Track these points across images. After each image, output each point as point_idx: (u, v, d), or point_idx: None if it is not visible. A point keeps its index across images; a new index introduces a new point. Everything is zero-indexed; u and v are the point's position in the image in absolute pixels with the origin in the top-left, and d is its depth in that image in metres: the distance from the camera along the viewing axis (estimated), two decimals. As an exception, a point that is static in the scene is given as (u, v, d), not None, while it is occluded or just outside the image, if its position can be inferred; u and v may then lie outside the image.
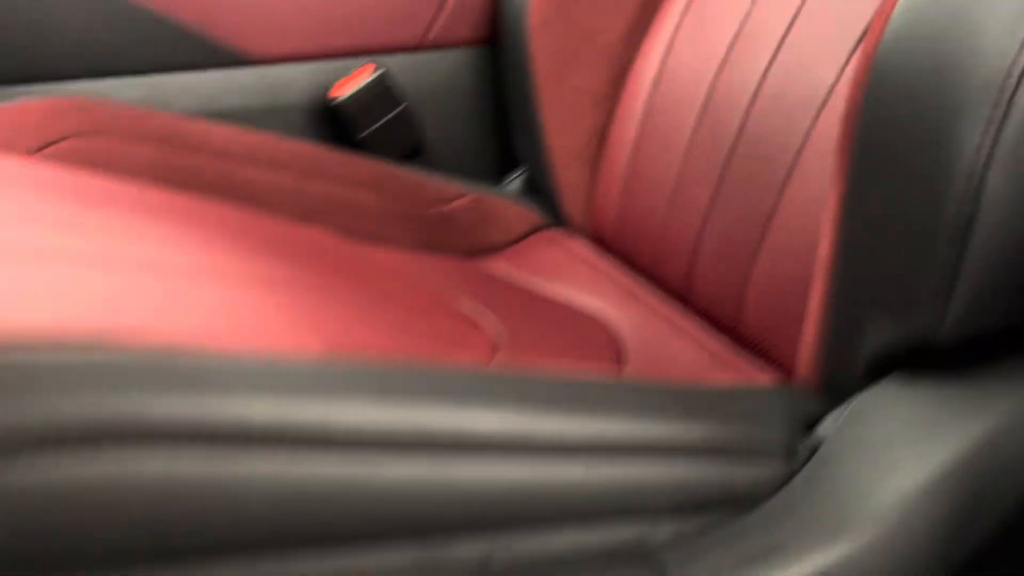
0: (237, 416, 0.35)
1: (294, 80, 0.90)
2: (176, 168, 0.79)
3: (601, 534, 0.45)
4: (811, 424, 0.53)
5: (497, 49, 0.98)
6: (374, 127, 0.91)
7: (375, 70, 0.92)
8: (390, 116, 0.92)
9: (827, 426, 0.52)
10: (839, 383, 0.56)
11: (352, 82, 0.91)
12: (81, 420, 0.32)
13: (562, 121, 0.93)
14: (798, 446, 0.50)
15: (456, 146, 0.98)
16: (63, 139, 0.76)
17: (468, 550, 0.42)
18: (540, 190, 0.97)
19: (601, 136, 0.92)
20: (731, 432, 0.48)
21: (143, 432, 0.33)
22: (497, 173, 1.01)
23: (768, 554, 0.47)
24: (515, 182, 1.00)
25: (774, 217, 0.70)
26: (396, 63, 0.94)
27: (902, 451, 0.49)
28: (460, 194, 0.92)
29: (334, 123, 0.91)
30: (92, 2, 0.81)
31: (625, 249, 0.89)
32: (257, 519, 0.36)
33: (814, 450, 0.51)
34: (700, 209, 0.77)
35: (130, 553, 0.34)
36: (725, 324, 0.76)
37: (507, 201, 0.95)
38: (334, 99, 0.91)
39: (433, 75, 0.96)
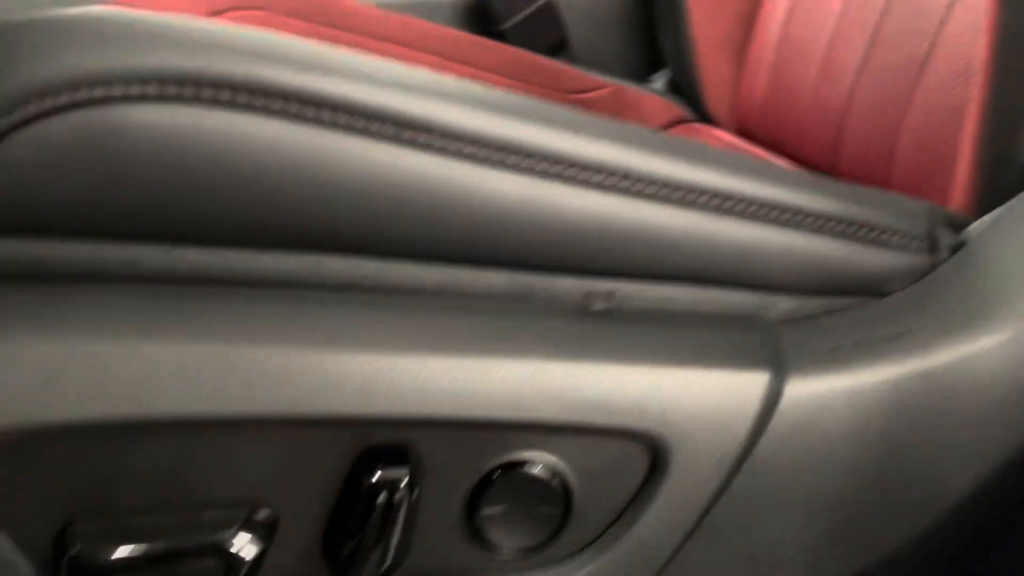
0: (349, 93, 0.35)
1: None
2: (324, 41, 0.82)
3: (717, 297, 0.43)
4: (959, 228, 0.48)
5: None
6: (518, 18, 0.92)
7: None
8: (534, 8, 0.92)
9: (975, 227, 0.48)
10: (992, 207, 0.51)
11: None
12: (196, 70, 0.33)
13: (707, 11, 0.90)
14: (941, 241, 0.46)
15: (599, 43, 0.98)
16: (227, 10, 0.81)
17: (568, 287, 0.41)
18: (684, 88, 0.95)
19: (747, 23, 0.89)
20: (867, 213, 0.44)
21: (256, 88, 0.34)
22: (640, 72, 1.00)
23: (895, 338, 0.43)
24: (658, 81, 0.98)
25: (928, 61, 0.65)
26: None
27: None
28: (601, 85, 0.91)
29: (479, 13, 0.92)
30: None
31: (770, 136, 0.85)
32: (353, 209, 0.36)
33: (958, 247, 0.46)
34: (849, 72, 0.73)
35: (218, 225, 0.35)
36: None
37: (649, 93, 0.93)
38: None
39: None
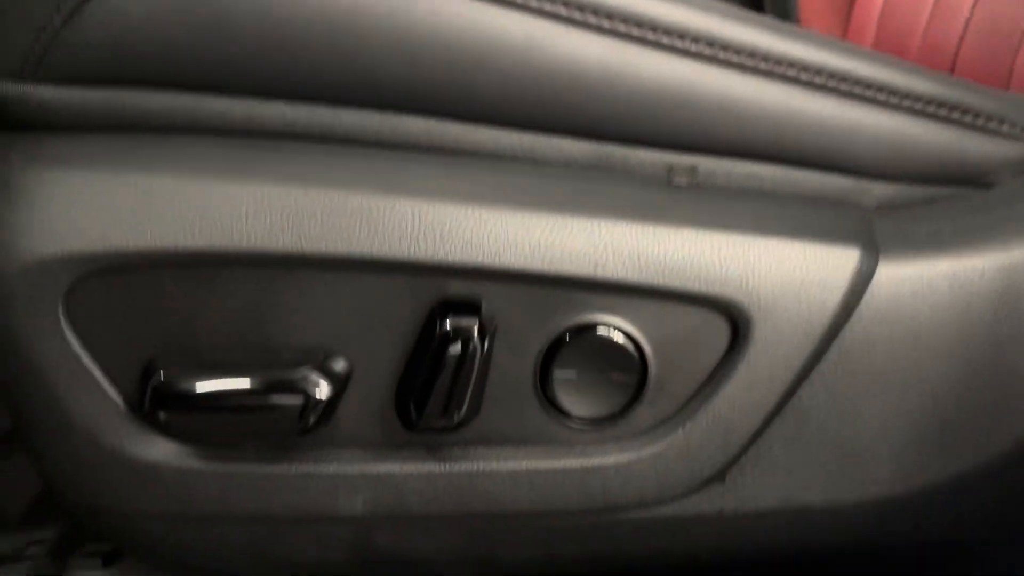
0: None
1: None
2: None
3: (806, 179, 0.42)
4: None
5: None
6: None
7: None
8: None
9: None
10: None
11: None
12: None
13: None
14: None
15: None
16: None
17: (649, 159, 0.40)
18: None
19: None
20: (972, 98, 0.42)
21: None
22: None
23: (1001, 226, 0.41)
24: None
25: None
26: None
27: None
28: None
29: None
30: None
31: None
32: (433, 66, 0.37)
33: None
34: (963, 11, 0.70)
35: (305, 81, 0.36)
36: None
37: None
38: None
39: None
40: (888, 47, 0.80)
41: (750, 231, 0.38)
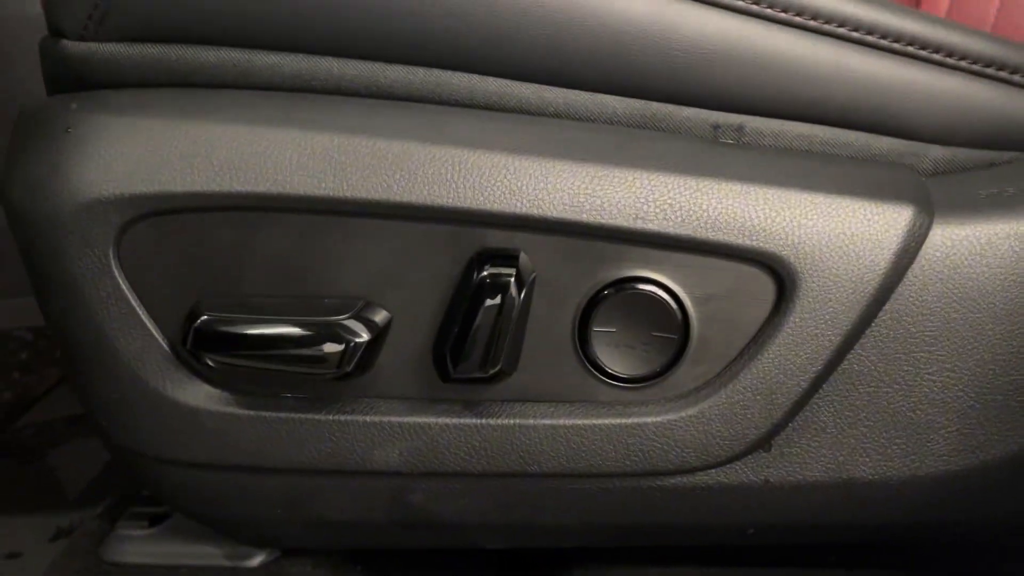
0: None
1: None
2: None
3: (858, 140, 0.40)
4: None
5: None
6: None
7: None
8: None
9: None
10: None
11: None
12: None
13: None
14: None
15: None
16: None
17: (695, 117, 0.40)
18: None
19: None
20: (1025, 58, 0.41)
21: None
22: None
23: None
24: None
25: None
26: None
27: None
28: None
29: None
30: None
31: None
32: (476, 24, 0.37)
33: None
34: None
35: (351, 37, 0.37)
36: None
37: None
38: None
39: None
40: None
41: (797, 186, 0.37)
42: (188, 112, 0.36)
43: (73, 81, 0.38)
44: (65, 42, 0.38)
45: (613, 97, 0.39)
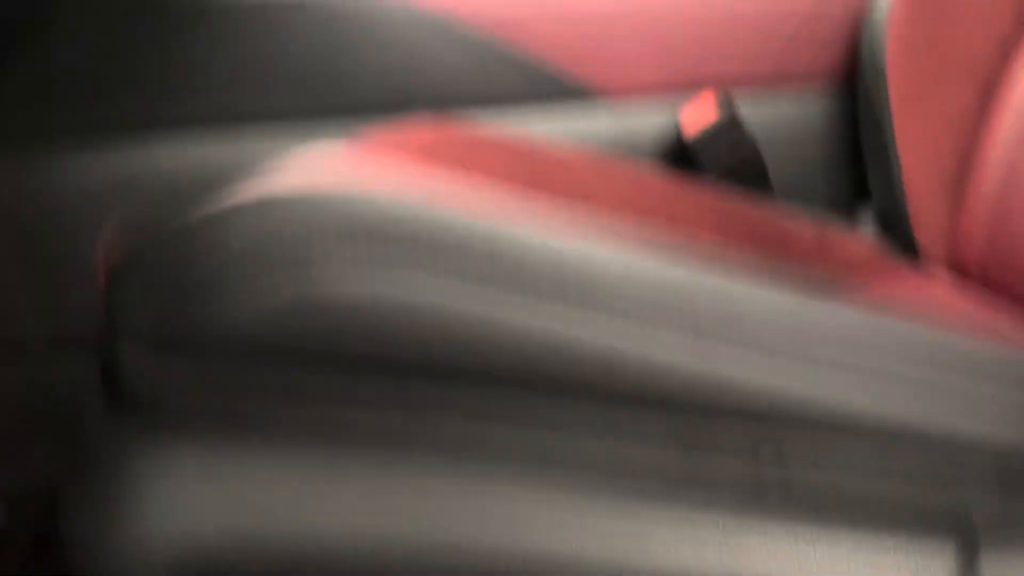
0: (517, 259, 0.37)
1: (640, 115, 0.95)
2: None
3: (909, 485, 0.40)
4: None
5: (849, 82, 0.95)
6: (724, 167, 0.92)
7: (722, 103, 0.93)
8: (740, 157, 0.92)
9: None
10: None
11: (701, 117, 0.93)
12: None
13: (919, 148, 0.86)
14: None
15: (800, 182, 0.96)
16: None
17: (733, 439, 0.39)
18: (892, 222, 0.90)
19: (964, 160, 0.84)
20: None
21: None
22: (844, 210, 0.96)
23: None
24: (865, 215, 0.94)
25: None
26: (743, 98, 0.95)
27: None
28: (800, 230, 0.89)
29: (683, 159, 0.94)
30: (439, 33, 0.92)
31: (994, 276, 0.79)
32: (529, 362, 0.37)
33: None
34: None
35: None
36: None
37: (852, 237, 0.89)
38: (684, 137, 0.93)
39: (780, 111, 0.95)
40: (1004, 238, 0.77)
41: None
42: (243, 475, 0.37)
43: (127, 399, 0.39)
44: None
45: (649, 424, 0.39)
